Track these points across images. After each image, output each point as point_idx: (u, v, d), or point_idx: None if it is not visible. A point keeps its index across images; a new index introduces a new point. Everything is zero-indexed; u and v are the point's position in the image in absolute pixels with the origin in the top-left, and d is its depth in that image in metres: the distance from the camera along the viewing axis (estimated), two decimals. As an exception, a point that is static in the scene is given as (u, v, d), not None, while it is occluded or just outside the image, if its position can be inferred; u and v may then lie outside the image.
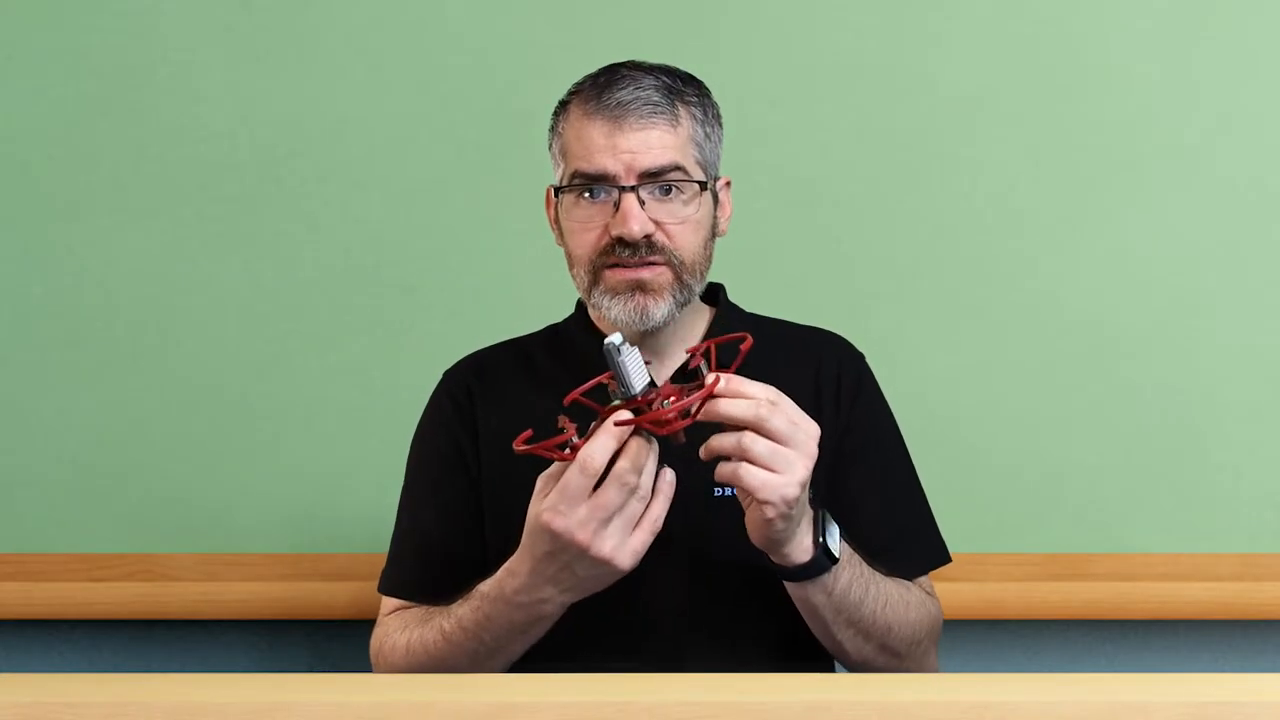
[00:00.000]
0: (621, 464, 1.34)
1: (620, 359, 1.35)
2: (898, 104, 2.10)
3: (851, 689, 1.11)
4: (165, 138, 2.10)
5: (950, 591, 1.97)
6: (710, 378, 1.36)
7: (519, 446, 1.37)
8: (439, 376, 1.69)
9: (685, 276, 1.53)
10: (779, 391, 1.37)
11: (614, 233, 1.51)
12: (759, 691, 1.06)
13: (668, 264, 1.52)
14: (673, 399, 1.36)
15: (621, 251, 1.51)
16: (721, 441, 1.36)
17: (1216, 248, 2.09)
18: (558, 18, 2.10)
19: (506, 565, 1.44)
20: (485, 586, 1.46)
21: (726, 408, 1.35)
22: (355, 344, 2.10)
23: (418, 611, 1.60)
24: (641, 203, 1.51)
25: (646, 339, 1.57)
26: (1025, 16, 2.10)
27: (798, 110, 2.10)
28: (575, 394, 1.38)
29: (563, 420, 1.37)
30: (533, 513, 1.39)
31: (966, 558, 2.03)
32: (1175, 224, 2.09)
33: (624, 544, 1.36)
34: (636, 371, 1.36)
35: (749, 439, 1.34)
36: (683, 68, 1.60)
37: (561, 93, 1.60)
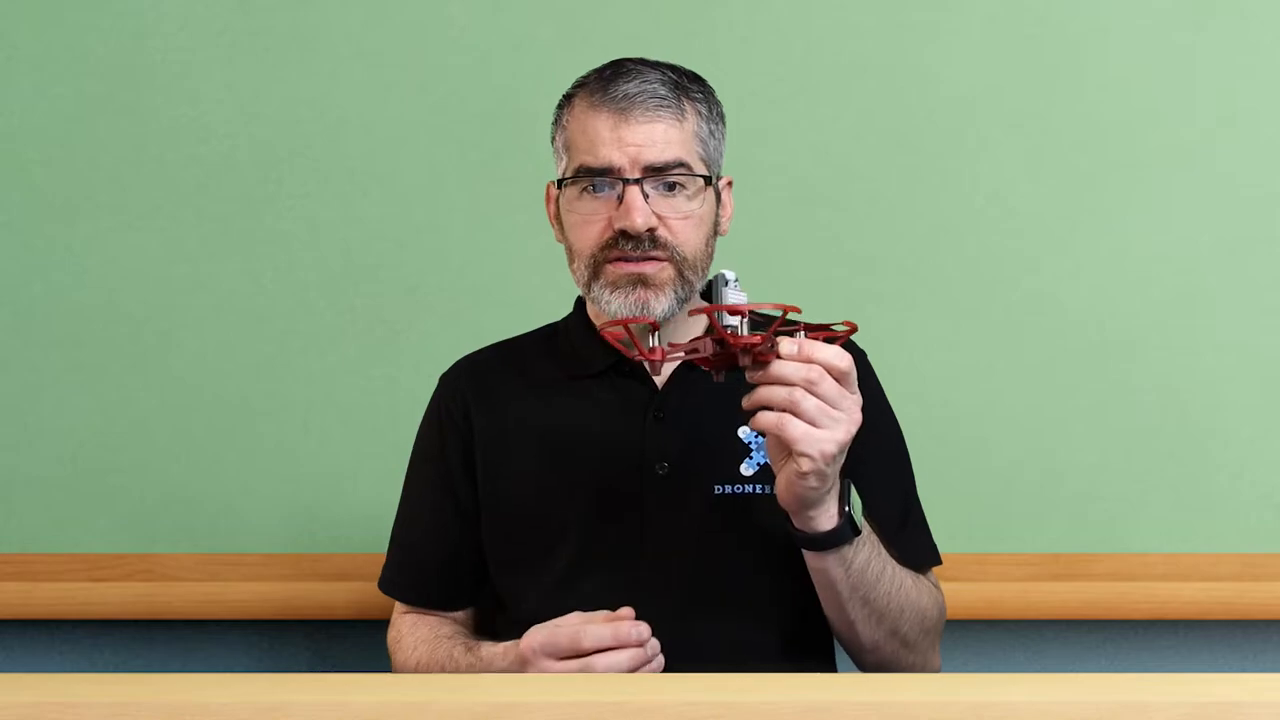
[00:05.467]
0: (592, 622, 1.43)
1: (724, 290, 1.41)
2: (898, 104, 2.10)
3: (851, 689, 1.10)
4: (165, 138, 2.10)
5: (950, 591, 1.96)
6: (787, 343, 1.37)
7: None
8: (438, 377, 1.69)
9: (687, 272, 1.53)
10: (843, 353, 1.38)
11: (617, 226, 1.50)
12: (759, 691, 1.06)
13: (670, 260, 1.52)
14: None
15: (624, 245, 1.51)
16: (771, 393, 1.36)
17: (1216, 248, 2.09)
18: (558, 18, 2.10)
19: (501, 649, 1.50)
20: (484, 652, 1.53)
21: (784, 369, 1.36)
22: (355, 344, 2.10)
23: (430, 623, 1.63)
24: (645, 196, 1.51)
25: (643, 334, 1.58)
26: (1025, 16, 2.10)
27: (798, 110, 2.10)
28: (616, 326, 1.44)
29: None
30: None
31: (966, 558, 2.03)
32: (1175, 224, 2.09)
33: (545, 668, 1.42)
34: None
35: (799, 394, 1.35)
36: (683, 65, 1.60)
37: (562, 92, 1.61)
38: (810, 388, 1.35)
